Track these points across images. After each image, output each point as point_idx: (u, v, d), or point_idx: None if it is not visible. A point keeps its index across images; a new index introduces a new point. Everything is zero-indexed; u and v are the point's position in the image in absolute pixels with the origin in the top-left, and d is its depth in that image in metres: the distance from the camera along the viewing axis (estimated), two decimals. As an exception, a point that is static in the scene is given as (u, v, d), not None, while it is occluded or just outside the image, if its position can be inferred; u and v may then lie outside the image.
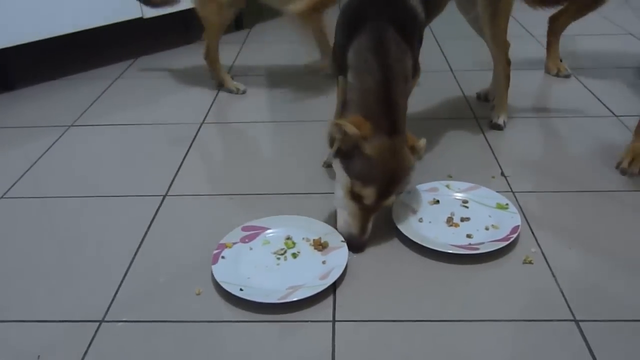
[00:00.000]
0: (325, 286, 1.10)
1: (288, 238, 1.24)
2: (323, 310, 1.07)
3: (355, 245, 1.22)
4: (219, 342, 1.02)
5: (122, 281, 1.17)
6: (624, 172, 1.43)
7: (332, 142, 1.19)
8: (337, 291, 1.12)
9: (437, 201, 1.36)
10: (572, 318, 1.04)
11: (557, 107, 1.90)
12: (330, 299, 1.10)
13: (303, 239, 1.23)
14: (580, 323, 1.03)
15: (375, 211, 1.21)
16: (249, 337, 1.03)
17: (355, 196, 1.18)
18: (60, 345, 1.02)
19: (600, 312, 1.05)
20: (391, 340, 1.01)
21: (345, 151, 1.17)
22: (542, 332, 1.02)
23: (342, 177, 1.20)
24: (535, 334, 1.01)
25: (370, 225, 1.22)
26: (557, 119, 1.82)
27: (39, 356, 1.00)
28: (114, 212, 1.41)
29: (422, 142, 1.21)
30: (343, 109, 1.32)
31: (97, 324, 1.07)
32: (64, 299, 1.13)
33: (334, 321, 1.05)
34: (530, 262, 1.18)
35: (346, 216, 1.22)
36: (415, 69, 1.31)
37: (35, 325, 1.07)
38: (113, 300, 1.12)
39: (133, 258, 1.23)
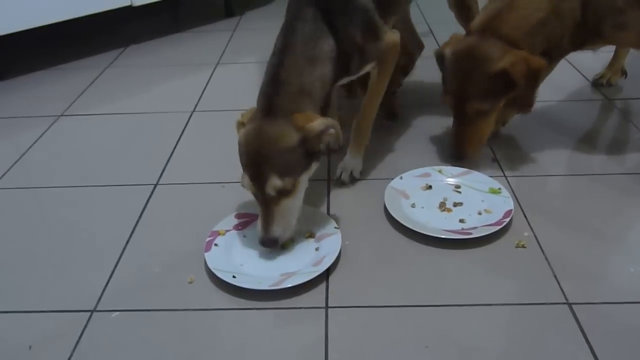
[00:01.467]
0: (318, 273, 1.09)
1: None
2: (316, 296, 1.07)
3: (261, 242, 1.14)
4: (212, 330, 1.02)
5: (113, 271, 1.16)
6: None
7: None
8: (330, 278, 1.11)
9: (430, 186, 1.36)
10: (565, 301, 1.04)
11: (548, 92, 1.89)
12: (323, 286, 1.10)
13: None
14: (573, 306, 1.03)
15: (269, 202, 1.11)
16: (243, 325, 1.02)
17: (243, 185, 1.13)
18: (52, 336, 1.02)
19: (593, 295, 1.05)
20: (384, 326, 1.01)
21: None
22: (535, 316, 1.02)
23: None
24: (529, 318, 1.01)
25: (278, 217, 1.12)
26: (549, 103, 1.81)
27: (30, 347, 0.99)
28: (105, 201, 1.40)
29: (317, 122, 1.09)
30: None
31: (89, 313, 1.06)
32: (55, 289, 1.12)
33: (326, 307, 1.05)
34: (523, 247, 1.17)
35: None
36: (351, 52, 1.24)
37: (26, 316, 1.06)
38: (105, 289, 1.12)
39: (124, 247, 1.23)
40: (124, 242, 1.24)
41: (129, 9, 2.35)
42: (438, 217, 1.26)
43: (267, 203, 1.11)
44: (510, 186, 1.37)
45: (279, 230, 1.12)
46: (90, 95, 2.02)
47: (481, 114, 1.37)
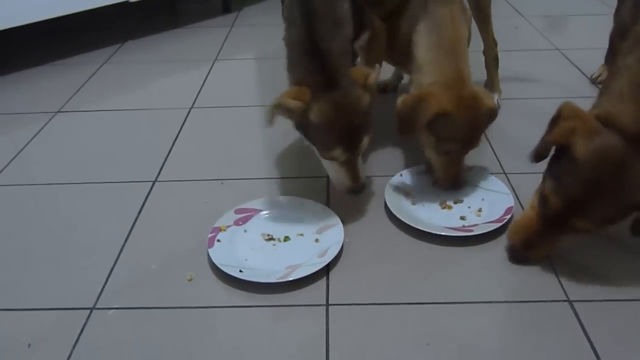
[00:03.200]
0: (325, 263, 1.09)
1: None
2: (316, 293, 1.07)
3: (355, 190, 1.22)
4: (212, 328, 1.01)
5: (112, 268, 1.16)
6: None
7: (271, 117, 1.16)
8: (331, 274, 1.11)
9: (431, 184, 1.36)
10: (565, 298, 1.04)
11: (547, 88, 1.89)
12: (323, 283, 1.09)
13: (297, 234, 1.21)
14: (574, 303, 1.03)
15: (356, 158, 1.20)
16: (242, 322, 1.02)
17: (331, 157, 1.18)
18: (51, 334, 1.01)
19: (593, 292, 1.05)
20: (385, 324, 1.00)
21: (300, 123, 1.17)
22: (536, 313, 1.02)
23: (309, 145, 1.22)
24: (529, 315, 1.01)
25: (360, 167, 1.21)
26: (548, 99, 1.81)
27: (29, 345, 0.99)
28: (103, 198, 1.39)
29: (372, 76, 1.17)
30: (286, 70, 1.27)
31: (88, 311, 1.05)
32: (54, 287, 1.12)
33: (327, 305, 1.04)
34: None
35: (334, 175, 1.23)
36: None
37: (25, 314, 1.06)
38: (104, 287, 1.11)
39: (123, 245, 1.22)
40: (123, 239, 1.23)
41: (125, 5, 2.34)
42: (439, 214, 1.25)
43: (352, 162, 1.20)
44: (510, 183, 1.37)
45: (363, 177, 1.22)
46: (87, 92, 2.00)
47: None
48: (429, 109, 1.18)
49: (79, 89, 2.01)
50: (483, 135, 1.32)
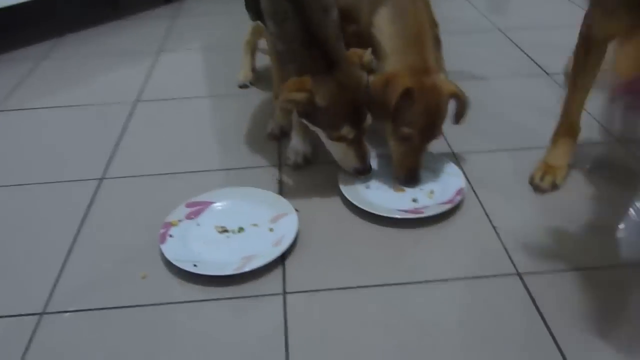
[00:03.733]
0: (281, 252, 1.09)
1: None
2: (273, 283, 1.07)
3: (362, 171, 1.27)
4: (170, 324, 0.99)
5: (61, 270, 1.12)
6: (536, 189, 1.31)
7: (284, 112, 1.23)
8: (287, 263, 1.11)
9: (383, 167, 1.37)
10: (515, 272, 1.07)
11: (491, 68, 1.93)
12: (279, 272, 1.09)
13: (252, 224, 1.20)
14: (523, 276, 1.06)
15: (362, 138, 1.25)
16: (200, 317, 1.01)
17: (338, 139, 1.23)
18: (-2, 342, 0.97)
19: (541, 264, 1.09)
20: (343, 308, 1.01)
21: (305, 111, 1.20)
22: (489, 287, 1.05)
23: (317, 130, 1.25)
24: (482, 290, 1.04)
25: (367, 148, 1.27)
26: (491, 79, 1.85)
27: (-24, 356, 0.95)
28: (48, 199, 1.34)
29: (367, 54, 1.23)
30: (280, 64, 1.33)
31: (38, 316, 1.02)
32: (0, 294, 1.07)
33: (284, 293, 1.04)
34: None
35: (343, 157, 1.28)
36: None
37: (-31, 324, 1.01)
38: (53, 291, 1.07)
39: (72, 245, 1.18)
40: (71, 240, 1.19)
41: (62, -3, 2.25)
42: (392, 197, 1.27)
43: (359, 139, 1.24)
44: (459, 163, 1.39)
45: (370, 158, 1.29)
46: (26, 89, 1.92)
47: None
48: (396, 87, 1.19)
49: (16, 87, 1.93)
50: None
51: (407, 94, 1.20)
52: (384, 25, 1.30)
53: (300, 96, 1.17)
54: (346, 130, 1.21)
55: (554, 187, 1.31)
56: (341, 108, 1.19)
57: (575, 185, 1.32)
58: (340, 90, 1.18)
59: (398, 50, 1.27)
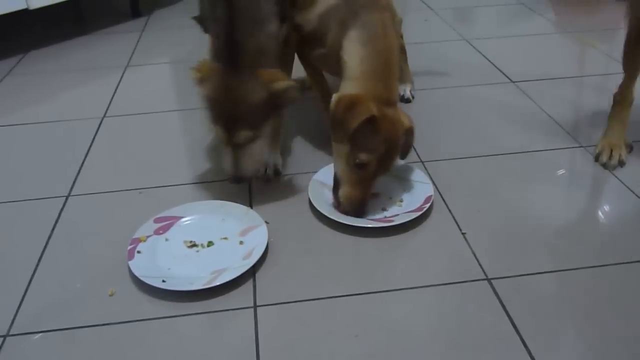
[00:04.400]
0: (250, 265, 1.08)
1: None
2: (244, 296, 1.06)
3: (232, 180, 1.27)
4: (140, 342, 0.98)
5: (25, 291, 1.09)
6: (606, 166, 1.41)
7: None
8: (257, 275, 1.10)
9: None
10: (484, 277, 1.09)
11: (457, 77, 1.97)
12: (250, 285, 1.08)
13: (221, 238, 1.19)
14: (492, 281, 1.08)
15: (239, 148, 1.22)
16: (171, 333, 0.99)
17: (215, 133, 1.24)
18: (-40, 368, 0.94)
19: (509, 269, 1.10)
20: (314, 319, 1.01)
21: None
22: (458, 293, 1.06)
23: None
24: (452, 296, 1.05)
25: (244, 160, 1.24)
26: (458, 88, 1.88)
27: (-64, 382, 0.92)
28: (11, 219, 1.31)
29: (281, 83, 1.19)
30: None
31: (1, 339, 0.99)
32: (-39, 318, 1.04)
33: (255, 306, 1.04)
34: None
35: (222, 159, 1.27)
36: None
37: None
38: (17, 311, 1.05)
39: (37, 265, 1.16)
40: (36, 260, 1.17)
41: (25, 12, 2.21)
42: (361, 207, 1.27)
43: (237, 147, 1.23)
44: (427, 170, 1.41)
45: (246, 170, 1.26)
46: (-12, 107, 1.88)
47: None
48: (360, 112, 1.15)
49: (-22, 105, 1.89)
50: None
51: (371, 121, 1.16)
52: (353, 48, 1.26)
53: (194, 74, 1.22)
54: (218, 131, 1.22)
55: (622, 163, 1.40)
56: (215, 108, 1.21)
57: (543, 188, 1.35)
58: (222, 92, 1.19)
59: (365, 76, 1.24)
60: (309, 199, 1.28)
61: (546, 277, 1.08)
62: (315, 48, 1.39)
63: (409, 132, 1.25)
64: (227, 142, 1.23)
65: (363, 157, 1.18)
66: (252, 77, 1.19)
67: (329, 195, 1.30)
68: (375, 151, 1.18)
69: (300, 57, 1.51)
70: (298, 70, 1.53)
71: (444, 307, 1.03)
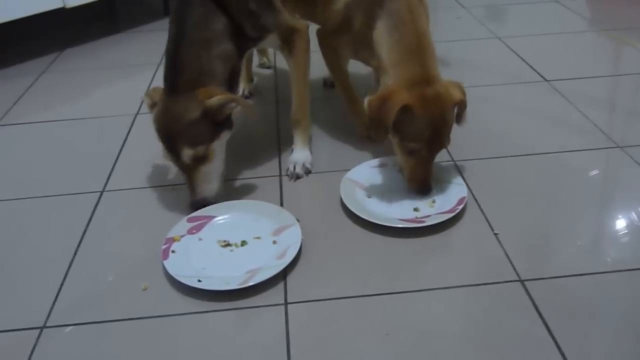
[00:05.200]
0: (284, 265, 1.09)
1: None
2: (274, 293, 1.06)
3: (191, 205, 1.27)
4: (171, 336, 0.99)
5: (62, 284, 1.12)
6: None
7: None
8: (287, 273, 1.10)
9: (384, 177, 1.37)
10: (517, 278, 1.07)
11: (489, 76, 1.94)
12: (281, 282, 1.09)
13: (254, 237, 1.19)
14: (525, 282, 1.06)
15: (189, 169, 1.24)
16: (202, 328, 1.00)
17: (166, 158, 1.26)
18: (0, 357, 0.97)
19: (543, 270, 1.08)
20: (344, 317, 1.01)
21: None
22: (491, 295, 1.04)
23: None
24: (484, 297, 1.04)
25: (199, 181, 1.25)
26: (490, 86, 1.86)
27: (-23, 370, 0.95)
28: (48, 213, 1.34)
29: (215, 98, 1.19)
30: None
31: (39, 330, 1.01)
32: (1, 308, 1.07)
33: (286, 304, 1.04)
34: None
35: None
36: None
37: (-30, 339, 1.01)
38: (54, 304, 1.07)
39: (72, 259, 1.18)
40: (72, 254, 1.19)
41: (61, 11, 2.26)
42: (393, 207, 1.26)
43: (189, 170, 1.24)
44: (459, 170, 1.39)
45: (203, 194, 1.26)
46: (26, 103, 1.93)
47: None
48: (392, 106, 1.16)
49: (17, 101, 1.93)
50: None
51: (407, 109, 1.17)
52: (381, 39, 1.28)
53: (145, 101, 1.31)
54: (166, 155, 1.23)
55: None
56: (159, 132, 1.23)
57: (578, 190, 1.32)
58: (161, 116, 1.22)
59: (397, 63, 1.25)
60: (341, 197, 1.28)
61: (581, 280, 1.06)
62: (342, 42, 1.40)
63: (460, 104, 1.25)
64: (178, 166, 1.25)
65: (411, 145, 1.23)
66: (190, 96, 1.19)
67: (360, 194, 1.30)
68: (421, 136, 1.21)
69: (325, 55, 1.51)
70: (320, 69, 1.53)
71: (475, 308, 1.02)
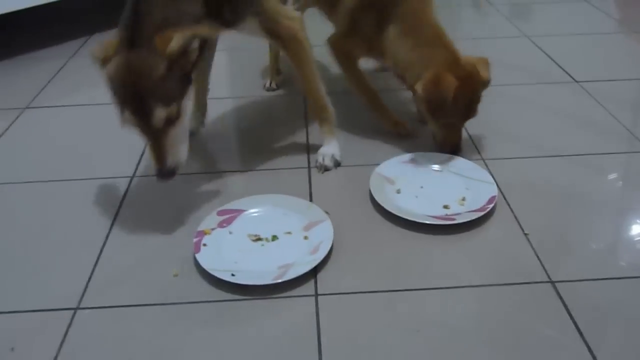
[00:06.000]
0: (319, 261, 1.09)
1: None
2: (305, 284, 1.07)
3: (158, 174, 1.14)
4: (202, 323, 1.00)
5: (94, 266, 1.13)
6: None
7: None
8: (317, 265, 1.11)
9: (415, 173, 1.37)
10: (547, 279, 1.07)
11: (517, 74, 1.92)
12: (311, 275, 1.09)
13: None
14: (556, 284, 1.06)
15: (156, 134, 1.11)
16: (232, 316, 1.02)
17: (124, 122, 1.12)
18: (34, 336, 0.99)
19: (575, 272, 1.08)
20: (374, 311, 1.01)
21: None
22: (520, 295, 1.04)
23: None
24: (514, 297, 1.04)
25: (168, 148, 1.12)
26: (518, 85, 1.84)
27: (12, 348, 0.96)
28: (80, 196, 1.36)
29: (173, 42, 1.05)
30: None
31: (72, 311, 1.03)
32: (35, 288, 1.09)
33: (316, 295, 1.05)
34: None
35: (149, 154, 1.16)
36: None
37: (7, 317, 1.03)
38: (87, 286, 1.09)
39: (105, 242, 1.20)
40: (104, 237, 1.21)
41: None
42: (423, 203, 1.26)
43: (155, 135, 1.11)
44: (488, 168, 1.39)
45: (174, 160, 1.14)
46: (56, 86, 1.95)
47: None
48: (448, 86, 1.29)
49: (47, 84, 1.95)
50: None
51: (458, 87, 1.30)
52: (397, 43, 1.39)
53: (96, 54, 1.10)
54: (127, 116, 1.09)
55: None
56: (119, 90, 1.09)
57: (609, 191, 1.32)
58: (123, 71, 1.07)
59: (420, 59, 1.36)
60: (370, 191, 1.28)
61: (612, 283, 1.06)
62: (355, 42, 1.48)
63: (486, 83, 1.38)
64: (144, 131, 1.11)
65: (450, 120, 1.38)
66: (153, 48, 1.06)
67: (390, 189, 1.30)
68: (458, 112, 1.36)
69: (339, 61, 1.53)
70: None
71: (505, 307, 1.02)
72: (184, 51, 1.08)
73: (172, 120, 1.11)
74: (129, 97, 1.08)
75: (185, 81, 1.12)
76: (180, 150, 1.15)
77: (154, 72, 1.07)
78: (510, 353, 0.93)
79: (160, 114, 1.08)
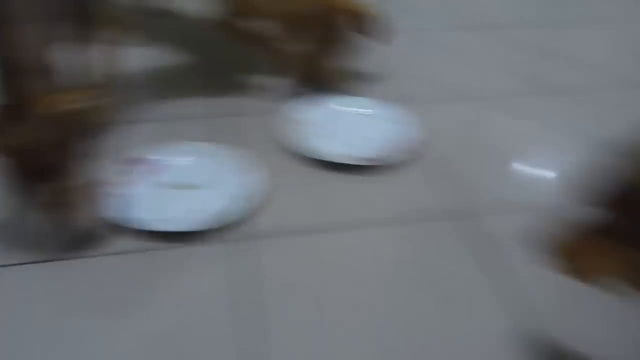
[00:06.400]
0: (251, 208, 1.09)
1: None
2: (241, 230, 1.06)
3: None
4: (130, 274, 0.97)
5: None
6: None
7: None
8: (249, 211, 1.09)
9: (334, 115, 1.37)
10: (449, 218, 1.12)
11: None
12: (242, 220, 1.08)
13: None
14: (457, 221, 1.11)
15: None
16: (173, 265, 0.99)
17: None
18: None
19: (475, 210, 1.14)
20: (306, 252, 1.03)
21: None
22: (446, 229, 1.09)
23: None
24: (439, 232, 1.09)
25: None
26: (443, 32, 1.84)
27: None
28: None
29: None
30: None
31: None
32: None
33: (252, 239, 1.05)
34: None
35: None
36: None
37: None
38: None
39: None
40: None
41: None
42: (344, 145, 1.27)
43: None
44: (409, 112, 1.38)
45: None
46: None
47: None
48: None
49: None
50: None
51: None
52: None
53: None
54: None
55: None
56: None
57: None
58: None
59: None
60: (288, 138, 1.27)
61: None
62: None
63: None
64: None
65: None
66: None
67: (307, 131, 1.30)
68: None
69: None
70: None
71: (430, 241, 1.07)
72: None
73: None
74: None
75: None
76: None
77: None
78: (432, 284, 0.98)
79: None
